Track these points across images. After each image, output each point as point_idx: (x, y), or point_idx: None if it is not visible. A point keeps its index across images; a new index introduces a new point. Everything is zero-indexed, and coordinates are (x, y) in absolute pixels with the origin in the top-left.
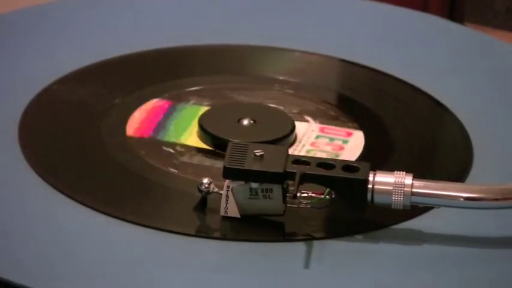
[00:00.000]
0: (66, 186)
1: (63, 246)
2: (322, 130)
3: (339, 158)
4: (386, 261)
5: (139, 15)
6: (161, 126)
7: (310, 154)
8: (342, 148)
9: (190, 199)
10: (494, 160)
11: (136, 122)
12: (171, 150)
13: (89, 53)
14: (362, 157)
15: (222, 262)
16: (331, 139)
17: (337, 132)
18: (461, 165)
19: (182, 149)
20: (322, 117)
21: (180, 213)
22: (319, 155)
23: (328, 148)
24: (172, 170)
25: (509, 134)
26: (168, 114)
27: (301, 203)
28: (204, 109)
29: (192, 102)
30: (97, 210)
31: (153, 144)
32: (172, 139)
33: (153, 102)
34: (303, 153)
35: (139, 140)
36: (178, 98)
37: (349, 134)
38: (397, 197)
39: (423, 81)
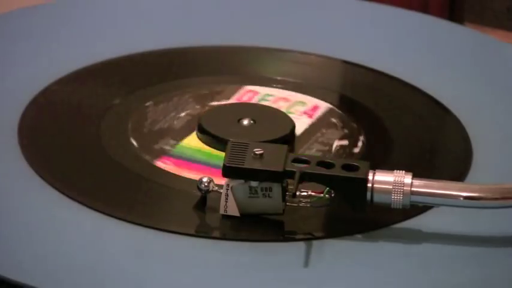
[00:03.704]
0: (66, 186)
1: (63, 246)
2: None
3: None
4: (386, 261)
5: (140, 15)
6: (194, 161)
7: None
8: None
9: (190, 198)
10: (494, 160)
11: (173, 167)
12: None
13: (88, 53)
14: (362, 156)
15: (221, 261)
16: (302, 103)
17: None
18: (461, 165)
19: None
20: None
21: (180, 213)
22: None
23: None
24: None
25: (509, 134)
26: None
27: (300, 201)
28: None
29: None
30: (96, 210)
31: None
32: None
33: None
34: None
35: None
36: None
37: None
38: (397, 196)
39: (423, 81)
